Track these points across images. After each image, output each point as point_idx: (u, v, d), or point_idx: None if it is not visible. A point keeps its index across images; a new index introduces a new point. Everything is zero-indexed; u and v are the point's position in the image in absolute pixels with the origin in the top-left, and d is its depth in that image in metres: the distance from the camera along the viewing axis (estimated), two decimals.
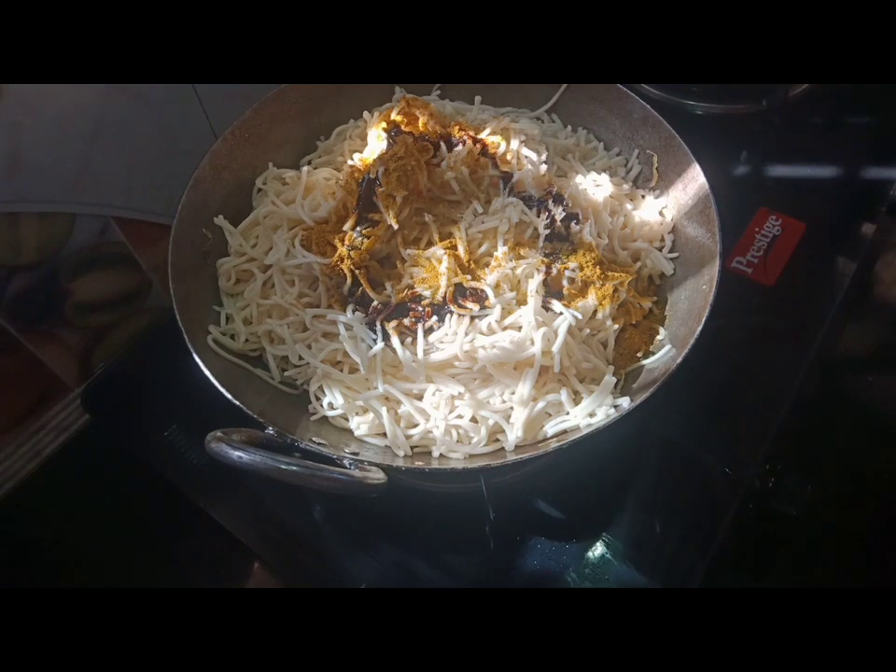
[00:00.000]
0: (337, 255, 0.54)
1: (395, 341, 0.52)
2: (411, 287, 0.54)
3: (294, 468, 0.42)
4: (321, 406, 0.53)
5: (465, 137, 0.58)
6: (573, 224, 0.56)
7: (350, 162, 0.63)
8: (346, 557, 0.62)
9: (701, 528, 0.60)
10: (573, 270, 0.54)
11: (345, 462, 0.46)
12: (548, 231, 0.56)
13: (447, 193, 0.57)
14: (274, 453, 0.42)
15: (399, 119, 0.60)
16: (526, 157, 0.59)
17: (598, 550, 0.59)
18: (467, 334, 0.51)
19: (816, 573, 0.62)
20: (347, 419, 0.53)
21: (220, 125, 0.67)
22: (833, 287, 0.75)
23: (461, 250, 0.55)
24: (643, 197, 0.64)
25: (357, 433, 0.52)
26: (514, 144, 0.60)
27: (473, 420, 0.51)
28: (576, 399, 0.52)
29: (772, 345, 0.72)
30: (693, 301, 0.54)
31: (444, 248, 0.54)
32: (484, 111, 0.68)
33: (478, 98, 0.68)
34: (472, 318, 0.52)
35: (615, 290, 0.55)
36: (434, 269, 0.54)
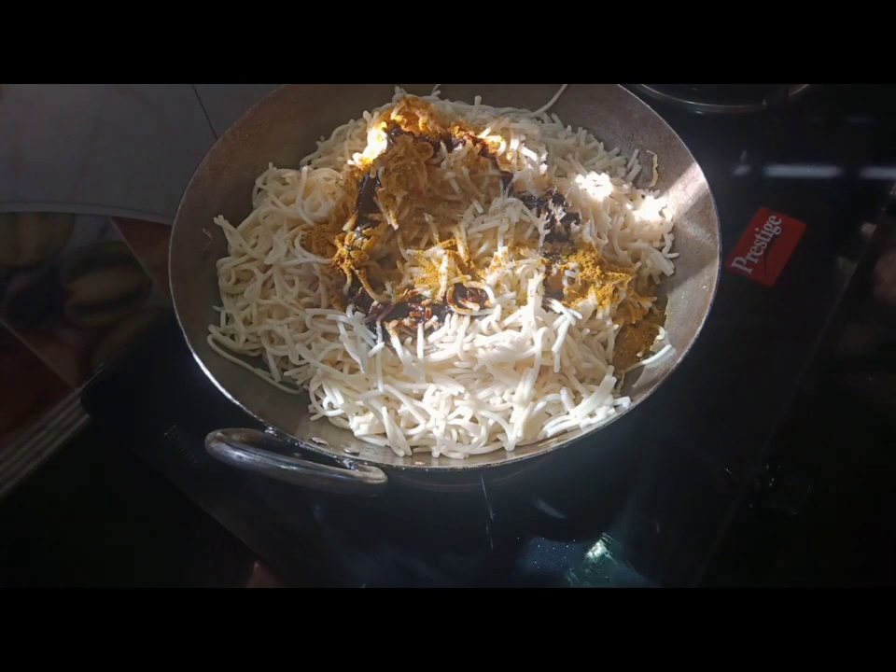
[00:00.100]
0: (337, 255, 0.54)
1: (395, 341, 0.52)
2: (411, 287, 0.54)
3: (294, 468, 0.42)
4: (321, 406, 0.53)
5: (465, 137, 0.58)
6: (573, 224, 0.56)
7: (350, 162, 0.63)
8: (346, 557, 0.62)
9: (701, 528, 0.60)
10: (573, 270, 0.54)
11: (345, 462, 0.46)
12: (548, 231, 0.56)
13: (447, 193, 0.57)
14: (274, 453, 0.42)
15: (398, 119, 0.60)
16: (526, 157, 0.59)
17: (598, 550, 0.59)
18: (467, 334, 0.51)
19: (816, 573, 0.62)
20: (347, 419, 0.53)
21: (220, 125, 0.67)
22: (832, 287, 0.75)
23: (461, 250, 0.55)
24: (643, 197, 0.64)
25: (356, 433, 0.52)
26: (514, 144, 0.60)
27: (473, 420, 0.51)
28: (576, 399, 0.52)
29: (772, 345, 0.71)
30: (693, 301, 0.54)
31: (444, 248, 0.54)
32: (484, 111, 0.68)
33: (478, 98, 0.68)
34: (472, 318, 0.52)
35: (615, 290, 0.55)
36: (434, 269, 0.54)
